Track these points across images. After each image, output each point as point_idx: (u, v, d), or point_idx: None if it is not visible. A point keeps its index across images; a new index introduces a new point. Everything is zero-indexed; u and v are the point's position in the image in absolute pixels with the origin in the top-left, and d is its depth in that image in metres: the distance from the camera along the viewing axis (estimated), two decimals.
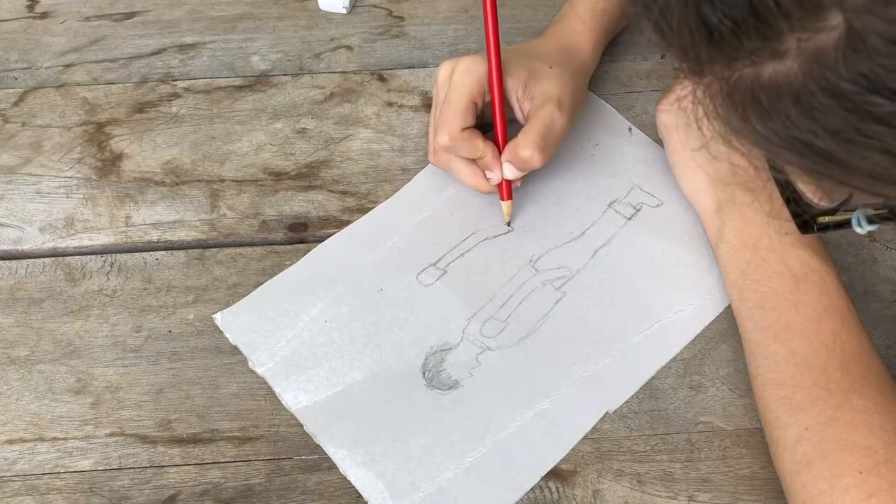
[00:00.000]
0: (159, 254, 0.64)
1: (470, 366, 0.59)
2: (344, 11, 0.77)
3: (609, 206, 0.66)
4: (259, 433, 0.57)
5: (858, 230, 0.42)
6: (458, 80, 0.61)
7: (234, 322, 0.61)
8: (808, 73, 0.30)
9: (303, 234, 0.65)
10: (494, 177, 0.62)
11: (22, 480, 0.56)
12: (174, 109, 0.71)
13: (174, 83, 0.73)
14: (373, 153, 0.69)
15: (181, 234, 0.65)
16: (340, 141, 0.70)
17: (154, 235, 0.65)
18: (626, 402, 0.58)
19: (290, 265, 0.63)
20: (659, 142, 0.67)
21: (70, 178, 0.68)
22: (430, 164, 0.67)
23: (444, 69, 0.62)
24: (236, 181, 0.68)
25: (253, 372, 0.59)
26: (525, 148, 0.60)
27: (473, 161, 0.62)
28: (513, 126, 0.63)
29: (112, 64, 0.74)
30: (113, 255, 0.64)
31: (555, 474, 0.55)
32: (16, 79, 0.74)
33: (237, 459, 0.56)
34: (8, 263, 0.64)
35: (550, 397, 0.58)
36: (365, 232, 0.65)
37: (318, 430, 0.56)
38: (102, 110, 0.71)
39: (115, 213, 0.66)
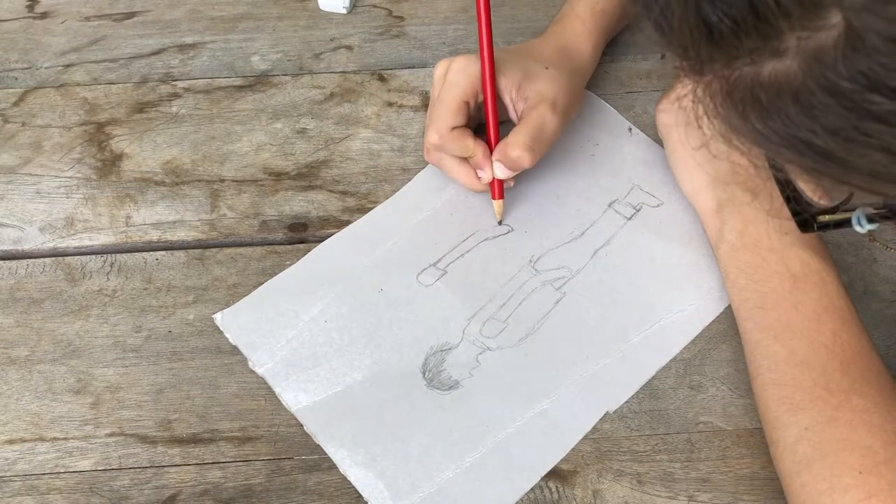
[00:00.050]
0: (159, 254, 0.64)
1: (470, 366, 0.59)
2: (344, 11, 0.77)
3: (609, 206, 0.66)
4: (259, 433, 0.57)
5: (858, 229, 0.42)
6: (451, 79, 0.61)
7: (234, 322, 0.61)
8: (807, 72, 0.30)
9: (303, 234, 0.65)
10: (485, 176, 0.62)
11: (22, 480, 0.56)
12: (174, 109, 0.71)
13: (174, 83, 0.73)
14: (373, 153, 0.69)
15: (181, 234, 0.65)
16: (340, 141, 0.70)
17: (154, 235, 0.65)
18: (626, 402, 0.58)
19: (290, 265, 0.63)
20: (659, 142, 0.67)
21: (70, 178, 0.68)
22: (429, 165, 0.67)
23: (440, 67, 0.63)
24: (236, 181, 0.68)
25: (253, 372, 0.59)
26: (515, 148, 0.60)
27: (465, 160, 0.62)
28: (507, 127, 0.63)
29: (112, 64, 0.74)
30: (113, 255, 0.64)
31: (555, 474, 0.55)
32: (16, 79, 0.74)
33: (237, 459, 0.56)
34: (8, 263, 0.64)
35: (550, 397, 0.58)
36: (365, 232, 0.65)
37: (318, 430, 0.56)
38: (102, 110, 0.71)
39: (115, 213, 0.66)
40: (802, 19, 0.29)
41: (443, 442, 0.56)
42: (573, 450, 0.56)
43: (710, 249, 0.62)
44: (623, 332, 0.60)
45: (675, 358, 0.59)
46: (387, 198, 0.66)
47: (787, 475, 0.51)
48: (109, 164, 0.68)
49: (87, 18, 0.78)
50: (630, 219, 0.65)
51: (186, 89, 0.73)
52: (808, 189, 0.43)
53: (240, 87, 0.73)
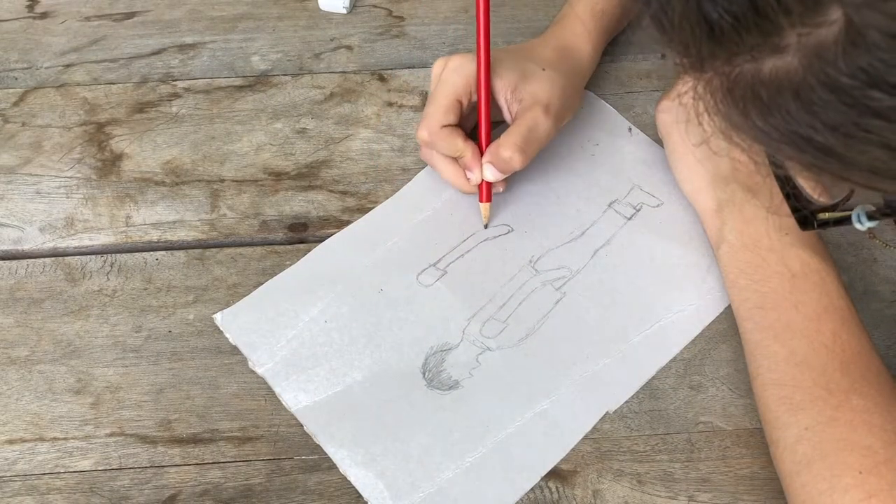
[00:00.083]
0: (159, 254, 0.64)
1: (470, 366, 0.59)
2: (344, 11, 0.77)
3: (609, 206, 0.66)
4: (259, 433, 0.57)
5: (858, 226, 0.42)
6: (445, 78, 0.61)
7: (234, 322, 0.61)
8: (807, 68, 0.30)
9: (303, 234, 0.65)
10: (474, 177, 0.62)
11: (22, 480, 0.56)
12: (174, 109, 0.71)
13: (174, 83, 0.73)
14: (373, 153, 0.69)
15: (181, 234, 0.65)
16: (340, 141, 0.70)
17: (154, 235, 0.65)
18: (626, 402, 0.58)
19: (290, 265, 0.63)
20: (659, 142, 0.67)
21: (70, 178, 0.68)
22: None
23: (437, 66, 0.63)
24: (236, 181, 0.68)
25: (253, 372, 0.59)
26: (506, 149, 0.60)
27: (455, 159, 0.62)
28: (501, 129, 0.63)
29: (112, 64, 0.74)
30: (113, 255, 0.64)
31: (555, 474, 0.55)
32: (16, 79, 0.74)
33: (237, 459, 0.56)
34: (8, 263, 0.64)
35: (550, 397, 0.58)
36: (365, 232, 0.65)
37: (318, 430, 0.56)
38: (102, 110, 0.71)
39: (115, 213, 0.66)
40: (803, 16, 0.29)
41: (443, 442, 0.56)
42: (573, 450, 0.56)
43: (710, 249, 0.62)
44: (623, 332, 0.60)
45: (675, 358, 0.59)
46: (387, 198, 0.66)
47: (787, 475, 0.51)
48: (109, 164, 0.68)
49: (87, 18, 0.78)
50: (630, 219, 0.65)
51: (186, 89, 0.73)
52: (808, 186, 0.43)
53: (240, 87, 0.73)
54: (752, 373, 0.55)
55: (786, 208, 0.47)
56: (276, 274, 0.62)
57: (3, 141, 0.70)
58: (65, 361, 0.60)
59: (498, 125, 0.64)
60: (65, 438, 0.57)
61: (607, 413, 0.57)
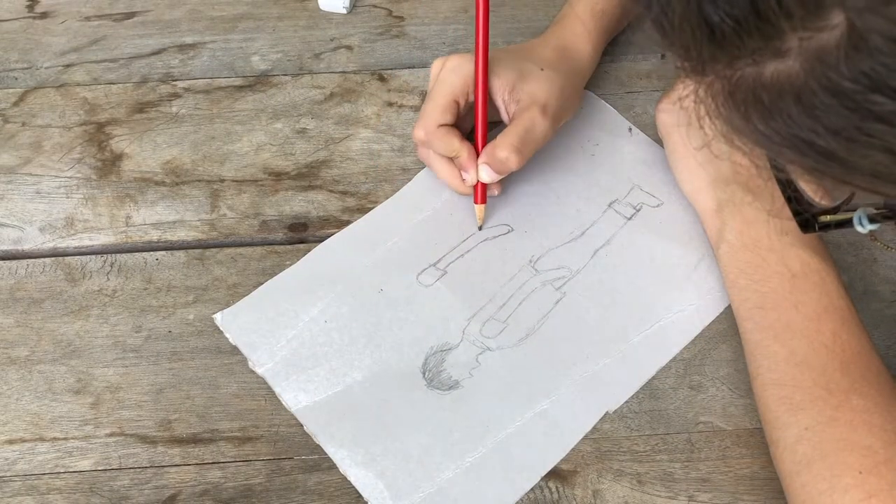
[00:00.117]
0: (159, 254, 0.64)
1: (470, 366, 0.59)
2: (344, 11, 0.77)
3: (609, 206, 0.66)
4: (259, 433, 0.57)
5: (860, 229, 0.42)
6: (443, 77, 0.61)
7: (234, 322, 0.61)
8: (809, 72, 0.30)
9: (303, 234, 0.65)
10: (469, 178, 0.62)
11: (22, 480, 0.56)
12: (174, 109, 0.71)
13: (174, 83, 0.73)
14: (373, 153, 0.69)
15: (181, 234, 0.65)
16: (340, 141, 0.70)
17: (154, 235, 0.65)
18: (626, 402, 0.58)
19: (290, 265, 0.63)
20: (659, 142, 0.67)
21: (70, 178, 0.68)
22: None
23: (436, 65, 0.63)
24: (236, 181, 0.68)
25: (253, 372, 0.59)
26: (503, 149, 0.60)
27: (451, 160, 0.62)
28: (500, 129, 0.63)
29: (112, 64, 0.74)
30: (113, 255, 0.64)
31: (555, 474, 0.55)
32: (16, 79, 0.74)
33: (237, 459, 0.56)
34: (8, 263, 0.64)
35: (550, 397, 0.58)
36: (365, 232, 0.65)
37: (318, 430, 0.56)
38: (102, 110, 0.71)
39: (115, 213, 0.66)
40: (804, 20, 0.29)
41: (443, 442, 0.56)
42: (573, 450, 0.56)
43: (710, 249, 0.62)
44: (623, 332, 0.60)
45: (675, 358, 0.59)
46: (387, 198, 0.66)
47: (787, 475, 0.51)
48: (109, 164, 0.68)
49: (87, 18, 0.78)
50: (630, 219, 0.65)
51: (186, 89, 0.73)
52: (810, 189, 0.43)
53: (240, 87, 0.73)
54: (752, 373, 0.55)
55: (787, 211, 0.47)
56: (276, 274, 0.63)
57: (3, 141, 0.70)
58: (65, 361, 0.60)
59: (495, 126, 0.64)
60: (65, 438, 0.57)
61: (607, 413, 0.57)
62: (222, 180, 0.68)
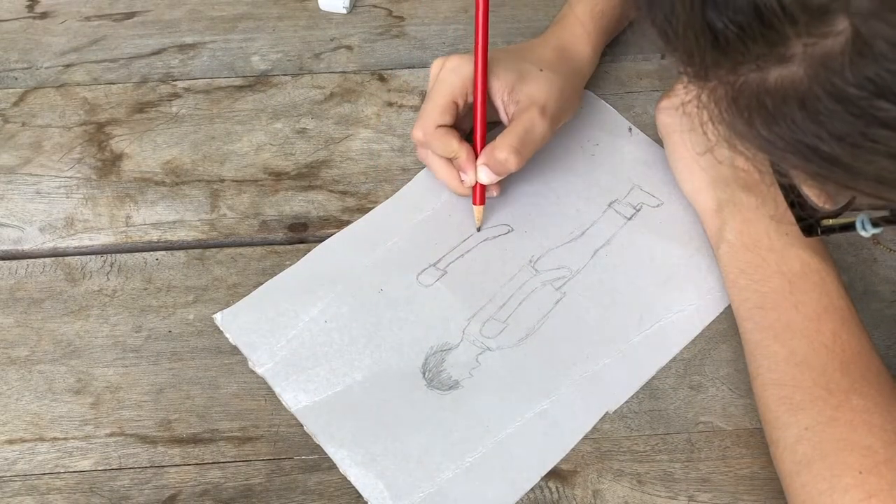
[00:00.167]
0: (159, 254, 0.64)
1: (470, 366, 0.59)
2: (344, 11, 0.77)
3: (609, 206, 0.66)
4: (259, 433, 0.57)
5: (863, 233, 0.42)
6: (443, 78, 0.61)
7: (234, 322, 0.61)
8: (814, 78, 0.30)
9: (303, 234, 0.65)
10: (468, 179, 0.62)
11: (22, 480, 0.56)
12: (174, 109, 0.71)
13: (174, 83, 0.73)
14: (373, 153, 0.69)
15: (181, 234, 0.65)
16: (340, 141, 0.70)
17: (154, 235, 0.65)
18: (626, 402, 0.58)
19: (290, 265, 0.63)
20: (659, 142, 0.67)
21: (70, 178, 0.68)
22: None
23: (435, 66, 0.63)
24: (236, 181, 0.68)
25: (253, 372, 0.59)
26: (502, 150, 0.60)
27: (450, 160, 0.62)
28: (499, 130, 0.63)
29: (112, 64, 0.74)
30: (113, 255, 0.64)
31: (555, 474, 0.55)
32: (16, 79, 0.74)
33: (237, 459, 0.56)
34: (8, 263, 0.64)
35: (550, 397, 0.58)
36: (365, 232, 0.65)
37: (318, 430, 0.56)
38: (102, 110, 0.71)
39: (115, 213, 0.66)
40: (809, 26, 0.29)
41: (443, 442, 0.56)
42: (573, 450, 0.56)
43: (710, 249, 0.62)
44: (623, 332, 0.60)
45: (675, 358, 0.59)
46: (387, 198, 0.66)
47: (787, 475, 0.51)
48: (109, 164, 0.68)
49: (87, 18, 0.78)
50: (630, 219, 0.65)
51: (186, 89, 0.73)
52: (813, 194, 0.43)
53: (240, 87, 0.73)
54: (752, 373, 0.56)
55: (790, 216, 0.46)
56: (276, 274, 0.63)
57: (3, 141, 0.70)
58: (65, 361, 0.60)
59: (494, 127, 0.64)
60: (65, 438, 0.57)
61: (607, 413, 0.57)
62: (222, 180, 0.68)
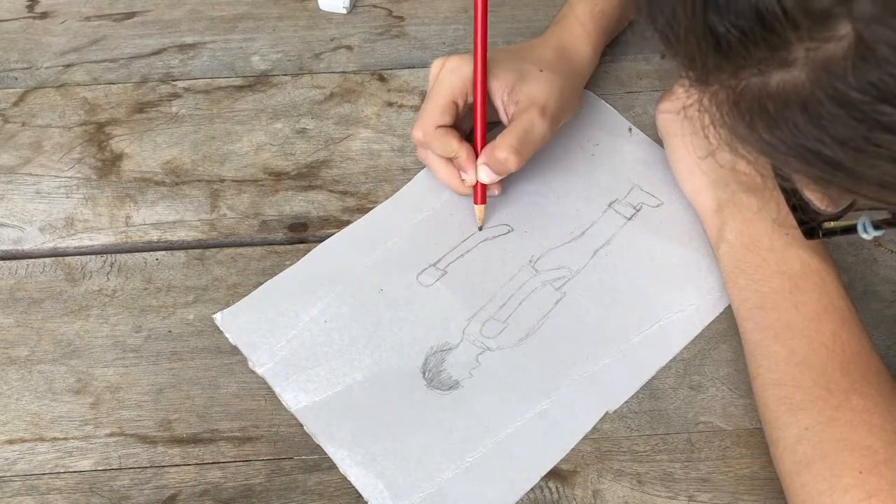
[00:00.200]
0: (159, 254, 0.64)
1: (470, 366, 0.59)
2: (344, 11, 0.77)
3: (609, 206, 0.66)
4: (259, 433, 0.57)
5: (864, 236, 0.42)
6: (443, 78, 0.62)
7: (234, 322, 0.61)
8: (816, 82, 0.30)
9: (303, 234, 0.65)
10: (468, 178, 0.62)
11: (22, 480, 0.56)
12: (174, 109, 0.71)
13: (174, 83, 0.73)
14: (373, 153, 0.69)
15: (181, 234, 0.65)
16: (340, 141, 0.70)
17: (154, 235, 0.65)
18: (626, 402, 0.58)
19: (290, 265, 0.63)
20: (659, 142, 0.67)
21: (70, 178, 0.68)
22: None
23: (435, 66, 0.63)
24: (236, 181, 0.68)
25: (253, 372, 0.59)
26: (502, 150, 0.60)
27: (450, 160, 0.62)
28: (498, 130, 0.63)
29: (112, 64, 0.74)
30: (113, 255, 0.64)
31: (555, 474, 0.55)
32: (16, 79, 0.74)
33: (237, 459, 0.56)
34: (8, 263, 0.64)
35: (550, 397, 0.58)
36: (365, 232, 0.65)
37: (318, 430, 0.56)
38: (102, 110, 0.71)
39: (115, 213, 0.66)
40: (811, 30, 0.29)
41: (443, 442, 0.56)
42: (573, 450, 0.56)
43: (710, 249, 0.62)
44: (623, 332, 0.60)
45: (675, 358, 0.59)
46: (387, 198, 0.66)
47: (787, 475, 0.51)
48: (109, 164, 0.68)
49: (87, 18, 0.78)
50: (630, 219, 0.65)
51: (186, 89, 0.73)
52: (815, 198, 0.43)
53: (240, 87, 0.73)
54: (752, 373, 0.56)
55: (791, 219, 0.46)
56: (276, 274, 0.63)
57: (3, 141, 0.70)
58: (65, 361, 0.60)
59: (494, 126, 0.64)
60: (65, 438, 0.57)
61: (607, 413, 0.57)
62: (222, 180, 0.68)
